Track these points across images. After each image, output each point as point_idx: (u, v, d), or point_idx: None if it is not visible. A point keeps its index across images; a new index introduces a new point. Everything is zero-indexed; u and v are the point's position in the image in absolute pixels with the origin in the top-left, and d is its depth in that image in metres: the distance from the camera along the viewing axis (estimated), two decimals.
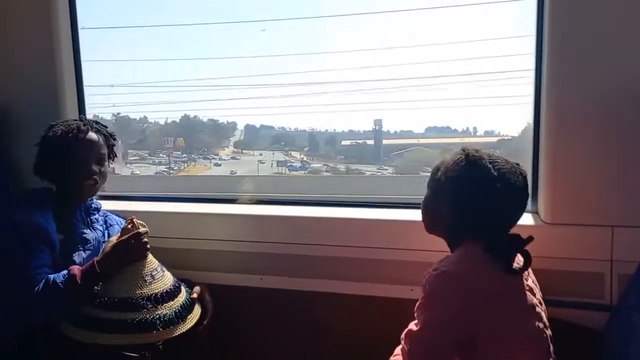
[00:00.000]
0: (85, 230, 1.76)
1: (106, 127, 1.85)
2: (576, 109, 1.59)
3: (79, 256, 1.70)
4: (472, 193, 1.30)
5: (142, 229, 1.62)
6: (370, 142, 2.56)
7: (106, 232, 1.86)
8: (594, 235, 1.60)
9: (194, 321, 1.66)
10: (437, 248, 1.69)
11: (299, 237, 1.89)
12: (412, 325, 1.32)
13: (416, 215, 1.81)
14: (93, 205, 1.84)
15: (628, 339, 1.28)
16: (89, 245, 1.74)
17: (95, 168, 1.73)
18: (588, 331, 1.51)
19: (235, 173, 2.77)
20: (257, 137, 2.77)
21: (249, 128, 2.77)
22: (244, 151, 2.71)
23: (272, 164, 2.73)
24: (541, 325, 1.29)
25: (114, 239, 1.62)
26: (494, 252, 1.27)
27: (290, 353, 1.92)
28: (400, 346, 1.34)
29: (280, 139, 2.70)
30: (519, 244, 1.30)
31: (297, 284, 1.90)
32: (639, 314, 1.29)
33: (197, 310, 1.71)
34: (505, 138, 2.25)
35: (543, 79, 1.65)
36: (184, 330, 1.62)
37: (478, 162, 1.30)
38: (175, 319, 1.60)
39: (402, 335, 1.31)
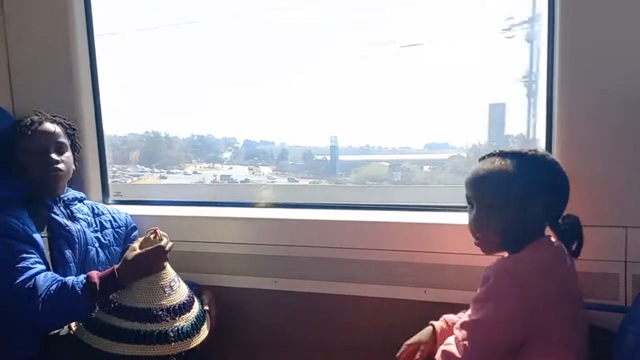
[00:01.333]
0: (66, 223, 1.73)
1: (64, 118, 1.87)
2: (589, 109, 1.58)
3: (67, 252, 1.70)
4: (558, 186, 1.35)
5: (164, 241, 1.62)
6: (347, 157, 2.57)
7: (96, 220, 1.86)
8: (607, 236, 1.59)
9: (206, 332, 1.67)
10: (450, 250, 1.72)
11: (313, 240, 1.91)
12: (464, 317, 1.32)
13: (429, 217, 1.85)
14: (71, 196, 1.83)
15: None
16: (72, 238, 1.72)
17: (55, 157, 1.74)
18: (603, 332, 1.50)
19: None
20: (236, 152, 2.76)
21: (228, 141, 2.76)
22: (214, 165, 2.71)
23: (215, 178, 2.73)
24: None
25: (136, 246, 1.61)
26: (566, 240, 1.33)
27: (304, 355, 1.93)
28: (452, 336, 1.33)
29: (257, 154, 2.71)
30: (579, 224, 1.35)
31: (311, 286, 1.92)
32: None
33: (208, 322, 1.72)
34: (459, 154, 2.32)
35: (555, 78, 1.64)
36: (199, 342, 1.62)
37: (547, 157, 1.35)
38: (191, 330, 1.61)
39: (457, 325, 1.31)
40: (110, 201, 2.24)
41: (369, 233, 1.86)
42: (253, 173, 2.66)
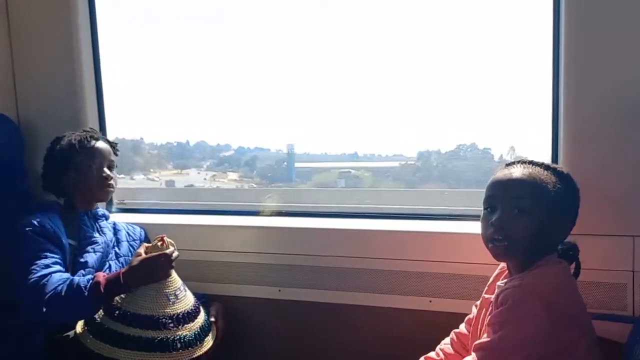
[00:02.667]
0: (94, 234, 1.84)
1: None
2: (596, 117, 1.57)
3: (91, 257, 1.78)
4: (575, 198, 1.35)
5: (170, 249, 1.63)
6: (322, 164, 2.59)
7: (115, 237, 1.92)
8: (615, 245, 1.58)
9: (209, 344, 1.66)
10: (456, 260, 1.71)
11: (318, 249, 1.90)
12: (483, 338, 1.26)
13: (436, 226, 1.84)
14: (99, 212, 1.92)
15: None
16: (98, 247, 1.82)
17: (109, 173, 1.86)
18: (611, 343, 1.48)
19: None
20: (209, 157, 2.76)
21: (200, 146, 2.75)
22: (183, 171, 2.70)
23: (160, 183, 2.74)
24: None
25: (141, 252, 1.63)
26: (570, 260, 1.33)
27: None
28: (469, 357, 1.28)
29: (227, 160, 2.71)
30: (577, 248, 1.37)
31: (315, 295, 1.91)
32: None
33: (213, 334, 1.71)
34: (409, 162, 2.36)
35: (561, 86, 1.63)
36: (201, 352, 1.62)
37: (571, 176, 1.35)
38: (194, 341, 1.60)
39: (472, 348, 1.26)
40: (114, 209, 2.24)
41: (374, 242, 1.85)
42: (204, 178, 2.67)
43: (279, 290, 1.94)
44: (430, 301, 1.76)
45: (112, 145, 1.94)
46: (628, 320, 1.49)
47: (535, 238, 1.27)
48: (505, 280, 1.35)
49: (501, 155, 2.12)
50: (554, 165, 1.33)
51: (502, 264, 1.44)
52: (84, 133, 1.88)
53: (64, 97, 2.14)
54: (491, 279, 1.47)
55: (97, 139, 1.88)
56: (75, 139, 1.85)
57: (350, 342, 1.86)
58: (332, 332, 1.90)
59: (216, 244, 2.01)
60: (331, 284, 1.88)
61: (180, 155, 2.68)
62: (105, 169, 1.85)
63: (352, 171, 2.48)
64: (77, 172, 1.84)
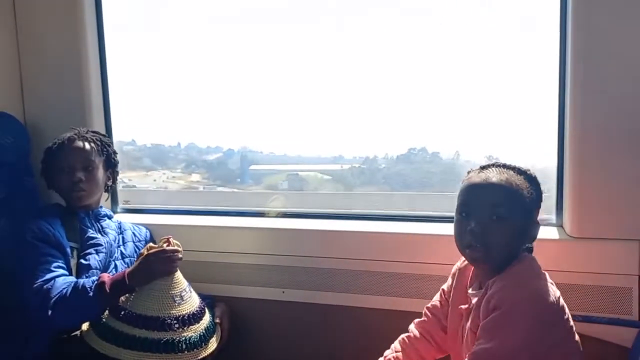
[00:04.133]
0: (96, 236, 1.82)
1: (104, 135, 1.97)
2: (602, 120, 1.56)
3: (93, 259, 1.77)
4: (541, 201, 1.36)
5: (168, 247, 1.63)
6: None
7: (120, 236, 1.92)
8: (620, 249, 1.58)
9: (214, 346, 1.67)
10: (452, 262, 1.70)
11: (321, 251, 1.90)
12: (478, 345, 1.24)
13: (435, 228, 1.83)
14: (102, 212, 1.91)
15: None
16: (101, 248, 1.80)
17: (80, 176, 1.80)
18: (617, 348, 1.48)
19: None
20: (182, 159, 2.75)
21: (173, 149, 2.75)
22: (149, 172, 2.68)
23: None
24: None
25: (144, 252, 1.64)
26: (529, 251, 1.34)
27: None
28: None
29: (195, 161, 2.70)
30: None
31: (318, 297, 1.91)
32: None
33: (218, 335, 1.72)
34: (355, 165, 2.40)
35: (567, 89, 1.63)
36: (206, 354, 1.62)
37: (531, 172, 1.35)
38: (199, 342, 1.60)
39: (468, 357, 1.24)
40: (118, 209, 2.25)
41: (377, 244, 1.85)
42: (163, 180, 2.66)
43: (283, 292, 1.95)
44: None
45: (98, 142, 1.89)
46: (633, 325, 1.49)
47: (513, 243, 1.28)
48: (475, 285, 1.35)
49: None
50: (525, 169, 1.33)
51: (456, 266, 1.47)
52: (69, 134, 1.86)
53: (71, 97, 2.14)
54: (451, 283, 1.47)
55: (80, 139, 1.85)
56: (57, 141, 1.85)
57: (357, 343, 1.86)
58: (335, 334, 1.90)
59: (221, 245, 2.01)
60: (335, 285, 1.88)
61: (153, 156, 2.67)
62: (78, 173, 1.81)
63: (299, 174, 2.51)
64: (53, 174, 1.85)
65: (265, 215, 2.11)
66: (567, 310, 1.26)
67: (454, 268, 1.49)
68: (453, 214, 1.35)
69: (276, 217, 2.09)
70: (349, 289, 1.87)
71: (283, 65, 2.28)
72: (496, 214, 1.26)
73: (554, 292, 1.25)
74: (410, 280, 1.80)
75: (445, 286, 1.52)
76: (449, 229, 1.79)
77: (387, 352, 1.53)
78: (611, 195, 1.57)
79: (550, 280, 1.28)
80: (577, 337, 1.27)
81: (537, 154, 1.90)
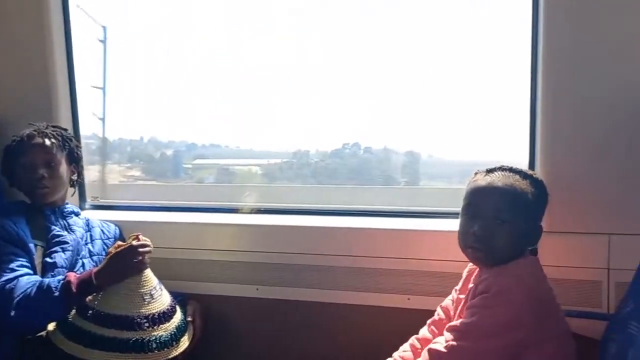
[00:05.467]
0: (62, 233, 1.77)
1: (64, 129, 1.91)
2: (572, 117, 1.59)
3: (59, 257, 1.72)
4: (546, 203, 1.38)
5: (135, 242, 1.59)
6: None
7: (87, 234, 1.87)
8: (591, 243, 1.61)
9: (186, 344, 1.64)
10: (434, 257, 1.72)
11: (295, 247, 1.88)
12: (460, 320, 1.28)
13: (413, 224, 1.84)
14: (68, 209, 1.86)
15: (625, 349, 1.27)
16: (67, 246, 1.75)
17: (42, 173, 1.76)
18: (587, 340, 1.50)
19: None
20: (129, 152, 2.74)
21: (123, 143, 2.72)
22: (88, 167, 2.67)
23: None
24: None
25: (112, 250, 1.60)
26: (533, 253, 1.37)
27: None
28: (441, 337, 1.29)
29: (138, 155, 2.70)
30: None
31: (293, 294, 1.89)
32: (636, 324, 1.28)
33: (190, 333, 1.69)
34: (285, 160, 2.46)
35: (538, 86, 1.65)
36: (177, 353, 1.59)
37: (537, 175, 1.39)
38: (170, 341, 1.57)
39: (446, 328, 1.27)
40: (87, 206, 2.20)
41: (352, 240, 1.85)
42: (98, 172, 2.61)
43: (257, 289, 1.93)
44: (409, 299, 1.77)
45: (59, 137, 1.83)
46: (603, 318, 1.51)
47: (515, 245, 1.31)
48: (477, 281, 1.35)
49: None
50: (531, 173, 1.36)
51: (468, 266, 1.47)
52: (28, 130, 1.81)
53: (37, 93, 2.09)
54: (462, 281, 1.48)
55: (40, 136, 1.79)
56: (16, 138, 1.80)
57: (329, 340, 1.85)
58: (310, 330, 1.88)
59: (193, 241, 1.99)
60: (309, 282, 1.87)
61: (98, 151, 2.61)
62: (40, 170, 1.76)
63: (229, 168, 2.56)
64: (15, 172, 1.80)
65: (238, 211, 2.09)
66: (561, 313, 1.30)
67: (466, 270, 1.49)
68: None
69: (249, 213, 2.07)
70: (324, 285, 1.86)
71: (222, 61, 2.29)
72: (500, 218, 1.29)
73: (549, 288, 1.29)
74: (387, 275, 1.80)
75: (457, 286, 1.52)
76: (424, 224, 1.84)
77: (395, 354, 1.50)
78: (581, 191, 1.60)
79: (549, 285, 1.32)
80: (572, 343, 1.30)
81: (511, 151, 1.93)
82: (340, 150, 2.31)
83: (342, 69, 2.16)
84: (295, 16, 2.18)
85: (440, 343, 1.25)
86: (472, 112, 2.06)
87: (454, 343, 1.22)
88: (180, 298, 1.79)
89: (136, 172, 2.63)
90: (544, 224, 1.63)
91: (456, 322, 1.26)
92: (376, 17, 2.10)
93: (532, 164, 1.72)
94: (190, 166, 2.57)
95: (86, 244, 1.85)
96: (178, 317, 1.66)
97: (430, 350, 1.25)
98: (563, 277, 1.62)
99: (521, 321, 1.21)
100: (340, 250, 1.84)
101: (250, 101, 2.28)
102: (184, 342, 1.63)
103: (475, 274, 1.41)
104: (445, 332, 1.27)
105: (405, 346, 1.51)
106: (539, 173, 1.64)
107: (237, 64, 2.27)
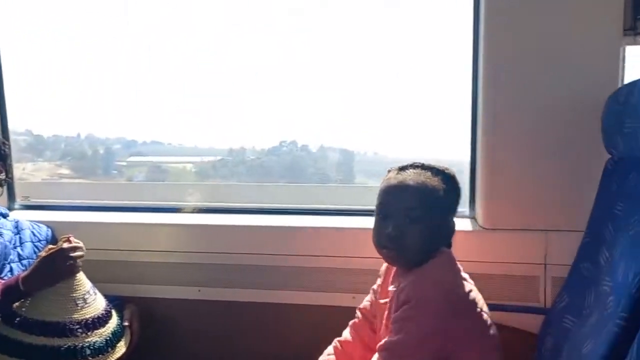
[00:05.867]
0: None
1: None
2: (510, 118, 1.63)
3: None
4: (459, 198, 1.37)
5: (66, 245, 1.52)
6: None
7: (17, 237, 1.78)
8: (528, 239, 1.65)
9: (123, 350, 1.58)
10: (377, 255, 1.70)
11: (238, 247, 1.85)
12: (389, 338, 1.25)
13: (356, 222, 1.83)
14: None
15: (561, 342, 1.31)
16: None
17: None
18: (525, 334, 1.54)
19: None
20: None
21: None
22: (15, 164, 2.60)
23: None
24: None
25: (43, 254, 1.52)
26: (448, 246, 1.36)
27: None
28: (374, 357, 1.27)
29: (70, 152, 2.62)
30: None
31: (237, 295, 1.85)
32: (571, 317, 1.32)
33: (127, 338, 1.63)
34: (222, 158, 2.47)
35: (479, 88, 1.68)
36: (114, 359, 1.54)
37: (449, 170, 1.36)
38: (105, 347, 1.52)
39: (377, 349, 1.25)
40: (16, 206, 2.08)
41: (294, 239, 1.83)
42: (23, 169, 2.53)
43: (199, 290, 1.88)
44: (354, 297, 1.76)
45: None
46: (540, 312, 1.55)
47: (428, 243, 1.30)
48: (396, 283, 1.35)
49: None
50: (443, 168, 1.35)
51: (385, 264, 1.48)
52: None
53: None
54: (381, 280, 1.48)
55: None
56: None
57: (274, 340, 1.83)
58: (254, 331, 1.86)
59: (130, 242, 1.91)
60: (253, 282, 1.84)
61: (29, 148, 2.52)
62: None
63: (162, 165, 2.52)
64: None
65: (180, 210, 2.03)
66: (480, 303, 1.28)
67: (383, 267, 1.49)
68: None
69: (192, 212, 2.01)
70: (268, 285, 1.84)
71: (158, 57, 2.25)
72: (410, 217, 1.28)
73: (464, 285, 1.28)
74: (330, 274, 1.79)
75: (375, 286, 1.51)
76: (367, 222, 1.83)
77: (321, 358, 1.49)
78: (519, 189, 1.64)
79: (465, 275, 1.32)
80: (493, 331, 1.30)
81: (453, 151, 1.97)
82: (277, 148, 2.29)
83: (279, 66, 2.15)
84: (231, 13, 2.15)
85: None
86: (415, 112, 2.09)
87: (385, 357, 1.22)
88: (116, 302, 1.72)
89: (65, 170, 2.52)
90: (483, 221, 1.68)
91: (385, 341, 1.24)
92: (310, 16, 2.10)
93: (473, 165, 1.76)
94: (124, 164, 2.48)
95: (15, 247, 1.74)
96: (114, 322, 1.59)
97: None
98: (502, 273, 1.66)
99: (444, 327, 1.20)
100: (283, 250, 1.82)
101: (189, 98, 2.23)
102: (121, 348, 1.57)
103: (392, 274, 1.41)
104: (377, 353, 1.25)
105: (329, 349, 1.50)
106: (480, 172, 1.69)
107: (176, 60, 2.23)
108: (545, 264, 1.64)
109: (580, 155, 1.59)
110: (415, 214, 1.27)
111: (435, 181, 1.31)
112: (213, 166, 2.39)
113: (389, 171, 1.38)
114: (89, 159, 2.53)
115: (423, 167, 1.34)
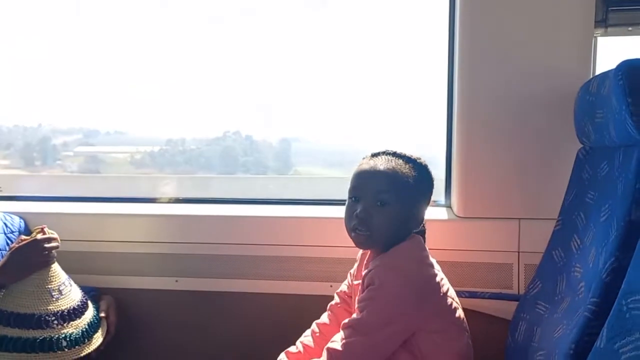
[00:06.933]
0: None
1: None
2: (485, 109, 1.65)
3: None
4: (431, 187, 1.39)
5: (40, 236, 1.50)
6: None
7: None
8: (502, 227, 1.68)
9: (99, 341, 1.57)
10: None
11: (215, 237, 1.84)
12: (352, 317, 1.30)
13: (333, 212, 1.84)
14: None
15: (534, 327, 1.34)
16: None
17: None
18: (499, 320, 1.58)
19: None
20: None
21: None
22: None
23: None
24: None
25: (15, 246, 1.50)
26: (421, 234, 1.39)
27: (208, 356, 1.87)
28: (338, 334, 1.31)
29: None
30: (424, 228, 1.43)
31: (215, 285, 1.85)
32: (543, 303, 1.36)
33: (103, 329, 1.62)
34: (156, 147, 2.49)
35: (455, 79, 1.70)
36: (90, 350, 1.52)
37: (421, 160, 1.38)
38: (81, 338, 1.50)
39: (341, 326, 1.29)
40: None
41: (271, 228, 1.83)
42: None
43: (176, 281, 1.87)
44: (331, 286, 1.77)
45: None
46: (514, 298, 1.58)
47: (395, 228, 1.33)
48: (368, 268, 1.38)
49: None
50: (415, 157, 1.38)
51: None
52: None
53: None
54: (357, 265, 1.51)
55: None
56: None
57: (252, 329, 1.83)
58: (232, 321, 1.85)
59: (106, 233, 1.89)
60: (231, 272, 1.84)
61: None
62: None
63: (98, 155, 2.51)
64: None
65: (156, 201, 2.01)
66: (445, 288, 1.32)
67: (360, 251, 1.51)
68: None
69: (168, 202, 2.00)
70: (246, 274, 1.83)
71: (100, 46, 2.23)
72: (380, 200, 1.30)
73: (427, 270, 1.32)
74: (308, 263, 1.80)
75: (352, 269, 1.53)
76: (336, 212, 1.85)
77: (301, 338, 1.51)
78: (494, 178, 1.66)
79: (431, 260, 1.35)
80: (459, 314, 1.34)
81: (430, 140, 1.99)
82: (221, 139, 2.29)
83: (226, 57, 2.13)
84: (171, 2, 2.13)
85: (337, 342, 1.27)
86: (389, 102, 2.11)
87: (348, 340, 1.25)
88: (92, 293, 1.70)
89: (5, 161, 2.47)
90: (458, 210, 1.71)
91: (349, 319, 1.29)
92: (253, 4, 2.08)
93: (449, 155, 1.78)
94: (71, 154, 2.44)
95: None
96: (90, 313, 1.58)
97: (328, 349, 1.28)
98: (477, 260, 1.69)
99: (405, 309, 1.25)
100: (261, 240, 1.82)
101: (136, 87, 2.22)
102: (97, 339, 1.56)
103: (367, 258, 1.44)
104: (341, 330, 1.29)
105: (307, 332, 1.53)
106: (455, 162, 1.71)
107: (121, 50, 2.21)
108: (518, 252, 1.67)
109: (553, 145, 1.62)
110: (384, 197, 1.30)
111: (406, 168, 1.33)
112: (150, 155, 2.36)
113: (363, 158, 1.40)
114: (31, 149, 2.48)
115: (395, 154, 1.37)
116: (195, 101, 2.19)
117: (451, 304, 1.33)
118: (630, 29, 1.68)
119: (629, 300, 0.89)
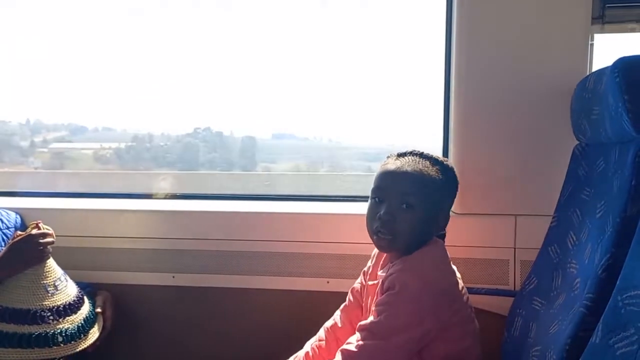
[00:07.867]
0: None
1: None
2: (481, 106, 1.65)
3: None
4: (456, 190, 1.38)
5: (35, 231, 1.50)
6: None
7: None
8: (498, 224, 1.68)
9: (95, 336, 1.57)
10: (351, 240, 1.73)
11: (211, 233, 1.84)
12: (369, 319, 1.27)
13: (330, 208, 1.85)
14: None
15: (529, 322, 1.35)
16: None
17: None
18: (495, 316, 1.58)
19: None
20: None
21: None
22: None
23: None
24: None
25: (11, 241, 1.49)
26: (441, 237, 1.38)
27: (205, 351, 1.87)
28: (353, 336, 1.28)
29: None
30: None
31: (211, 280, 1.85)
32: (539, 299, 1.36)
33: (99, 325, 1.62)
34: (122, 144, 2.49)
35: (451, 75, 1.70)
36: (86, 345, 1.52)
37: (448, 162, 1.37)
38: (77, 334, 1.50)
39: (357, 328, 1.27)
40: None
41: (268, 224, 1.83)
42: None
43: (173, 277, 1.86)
44: (328, 282, 1.78)
45: None
46: (510, 294, 1.59)
47: (419, 231, 1.30)
48: (385, 268, 1.36)
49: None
50: (442, 159, 1.36)
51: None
52: None
53: None
54: (371, 264, 1.49)
55: None
56: None
57: (247, 326, 1.83)
58: (229, 317, 1.85)
59: (102, 229, 1.88)
60: (227, 268, 1.83)
61: None
62: None
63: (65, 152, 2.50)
64: None
65: (152, 197, 2.00)
66: (465, 297, 1.32)
67: (375, 250, 1.49)
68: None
69: (164, 198, 1.99)
70: (242, 271, 1.83)
71: (69, 38, 2.24)
72: (405, 202, 1.27)
73: (449, 277, 1.30)
74: (305, 259, 1.80)
75: (366, 268, 1.52)
76: (341, 208, 1.85)
77: (311, 341, 1.49)
78: (490, 175, 1.66)
79: (453, 267, 1.34)
80: (473, 322, 1.34)
81: (428, 138, 1.99)
82: (192, 135, 2.28)
83: (203, 52, 2.13)
84: None
85: (352, 343, 1.25)
86: (390, 103, 2.10)
87: (364, 342, 1.23)
88: (88, 289, 1.70)
89: None
90: (455, 206, 1.71)
91: (366, 322, 1.26)
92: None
93: (445, 152, 1.77)
94: (45, 150, 2.43)
95: None
96: (86, 308, 1.58)
97: (342, 351, 1.25)
98: (473, 256, 1.69)
99: (424, 316, 1.22)
100: (257, 235, 1.81)
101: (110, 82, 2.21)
102: (93, 334, 1.56)
103: (383, 258, 1.42)
104: (356, 332, 1.27)
105: (320, 333, 1.51)
106: (452, 159, 1.71)
107: (93, 43, 2.20)
108: (514, 248, 1.67)
109: (549, 142, 1.62)
110: (410, 200, 1.27)
111: (433, 170, 1.31)
112: (115, 152, 2.35)
113: (388, 157, 1.37)
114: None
115: (422, 155, 1.34)
116: (195, 99, 2.18)
117: (470, 314, 1.32)
118: (630, 26, 1.68)
119: (624, 296, 0.89)
